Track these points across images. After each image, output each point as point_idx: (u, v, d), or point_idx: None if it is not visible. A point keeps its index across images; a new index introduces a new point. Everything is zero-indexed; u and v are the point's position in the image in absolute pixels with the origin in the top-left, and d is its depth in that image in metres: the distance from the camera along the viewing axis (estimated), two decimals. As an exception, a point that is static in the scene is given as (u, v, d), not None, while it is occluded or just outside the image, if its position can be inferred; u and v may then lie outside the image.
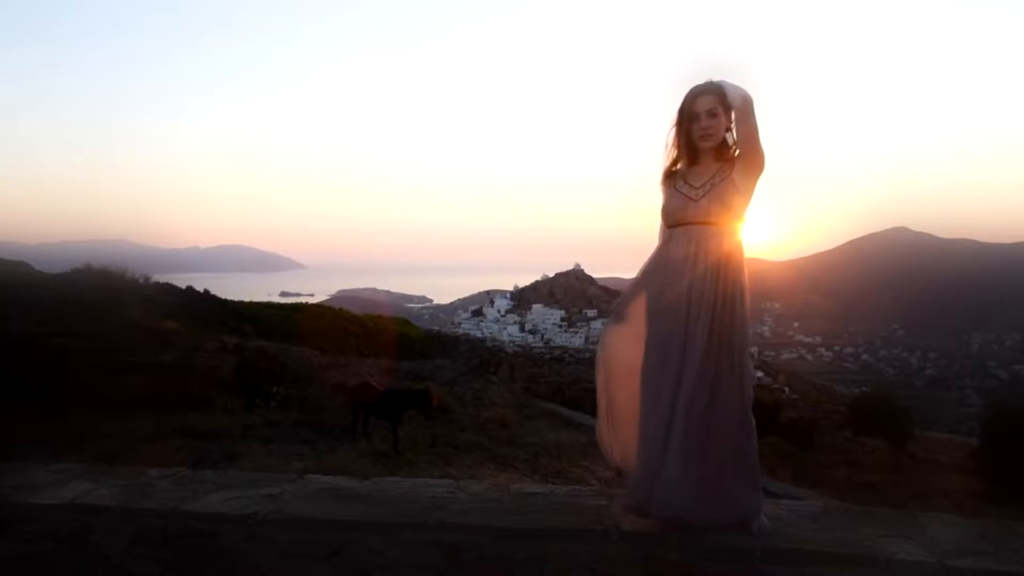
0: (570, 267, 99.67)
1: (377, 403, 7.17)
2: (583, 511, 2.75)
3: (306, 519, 2.70)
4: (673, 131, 2.70)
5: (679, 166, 2.74)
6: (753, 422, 2.60)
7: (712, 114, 2.58)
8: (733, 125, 2.60)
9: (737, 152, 2.63)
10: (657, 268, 2.72)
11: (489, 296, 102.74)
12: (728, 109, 2.58)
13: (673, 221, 2.68)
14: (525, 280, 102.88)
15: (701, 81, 2.63)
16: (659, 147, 2.76)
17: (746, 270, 2.64)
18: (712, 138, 2.62)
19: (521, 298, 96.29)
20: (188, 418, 6.99)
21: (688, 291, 2.57)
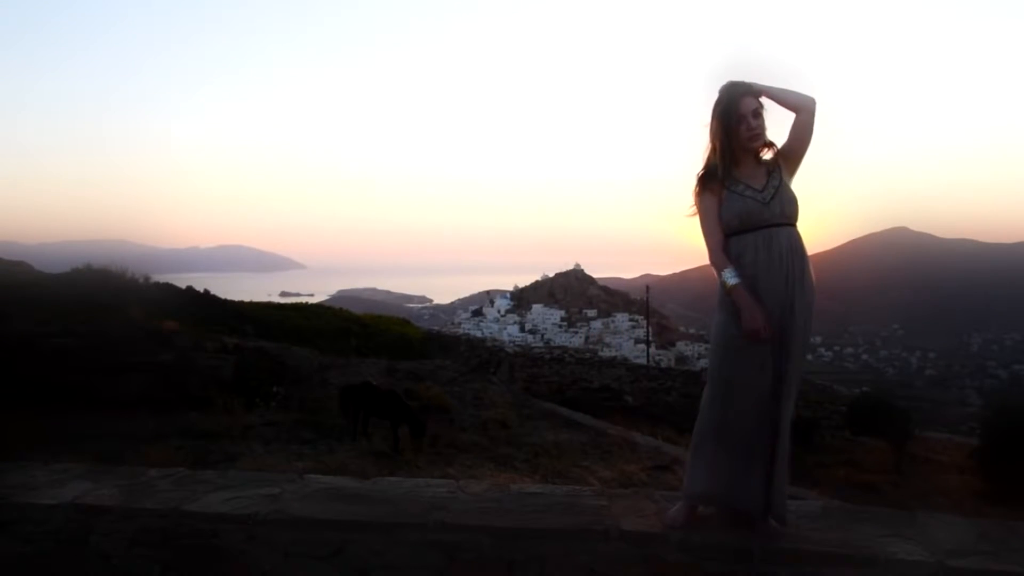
0: (570, 267, 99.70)
1: (377, 403, 7.18)
2: (583, 511, 2.75)
3: (306, 519, 2.70)
4: (716, 134, 2.61)
5: (725, 170, 2.63)
6: None
7: (757, 114, 2.56)
8: (796, 128, 2.60)
9: (776, 151, 2.64)
10: (743, 275, 2.57)
11: (489, 296, 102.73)
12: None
13: (749, 225, 2.58)
14: (525, 280, 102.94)
15: (727, 81, 2.60)
16: (691, 152, 2.72)
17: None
18: (760, 138, 2.60)
19: (521, 298, 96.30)
20: (188, 418, 6.98)
21: (779, 295, 2.53)
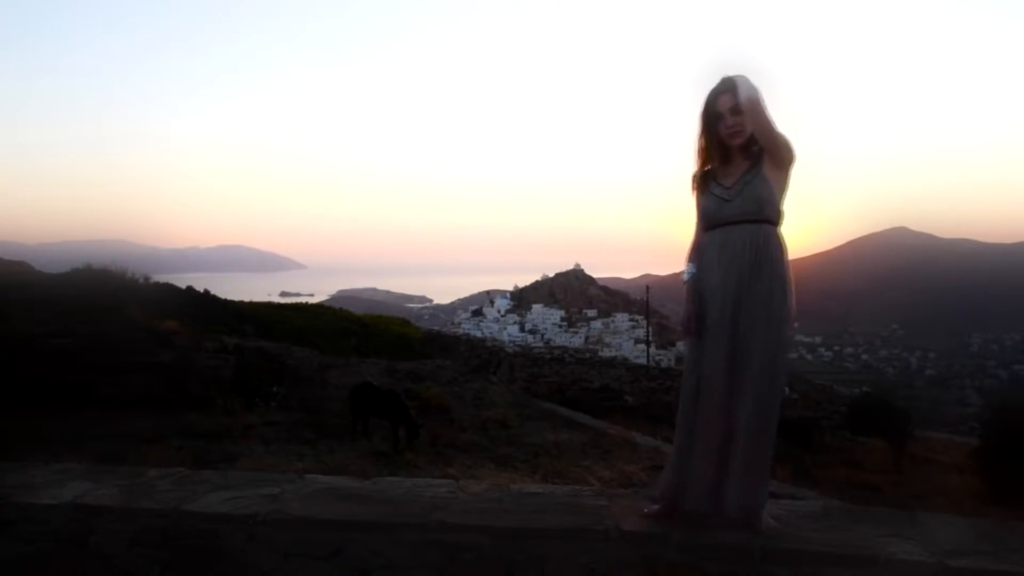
0: (570, 267, 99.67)
1: (377, 403, 7.18)
2: (583, 511, 2.75)
3: (306, 519, 2.70)
4: (700, 134, 2.65)
5: (711, 168, 2.69)
6: (776, 423, 2.61)
7: (735, 111, 2.55)
8: (747, 121, 2.56)
9: (762, 147, 2.59)
10: (702, 273, 2.67)
11: (489, 296, 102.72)
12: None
13: (710, 223, 2.65)
14: (525, 280, 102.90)
15: (715, 80, 2.60)
16: (687, 152, 2.72)
17: (789, 266, 2.62)
18: (740, 135, 2.59)
19: (521, 298, 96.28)
20: (188, 418, 6.98)
21: (729, 291, 2.56)
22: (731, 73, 2.57)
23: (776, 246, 2.59)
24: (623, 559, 2.49)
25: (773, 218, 2.59)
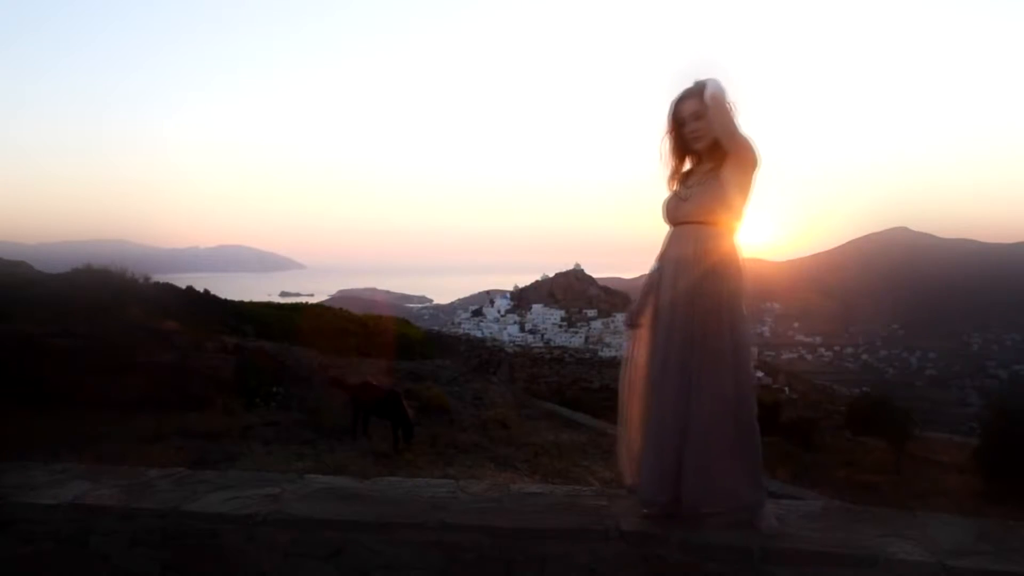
0: (570, 267, 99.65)
1: (378, 403, 7.18)
2: (583, 511, 2.74)
3: (306, 519, 2.70)
4: (667, 138, 2.73)
5: (684, 169, 2.77)
6: (753, 420, 2.59)
7: (697, 116, 2.60)
8: (709, 125, 2.60)
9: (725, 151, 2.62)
10: (657, 269, 2.77)
11: (489, 296, 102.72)
12: None
13: (669, 221, 2.73)
14: (525, 280, 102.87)
15: (690, 83, 2.64)
16: (656, 156, 2.79)
17: (742, 267, 2.63)
18: (703, 139, 2.63)
19: (521, 298, 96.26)
20: (188, 418, 6.98)
21: (678, 290, 2.61)
22: (702, 77, 2.60)
23: (726, 248, 2.61)
24: (623, 559, 2.49)
25: (725, 221, 2.61)
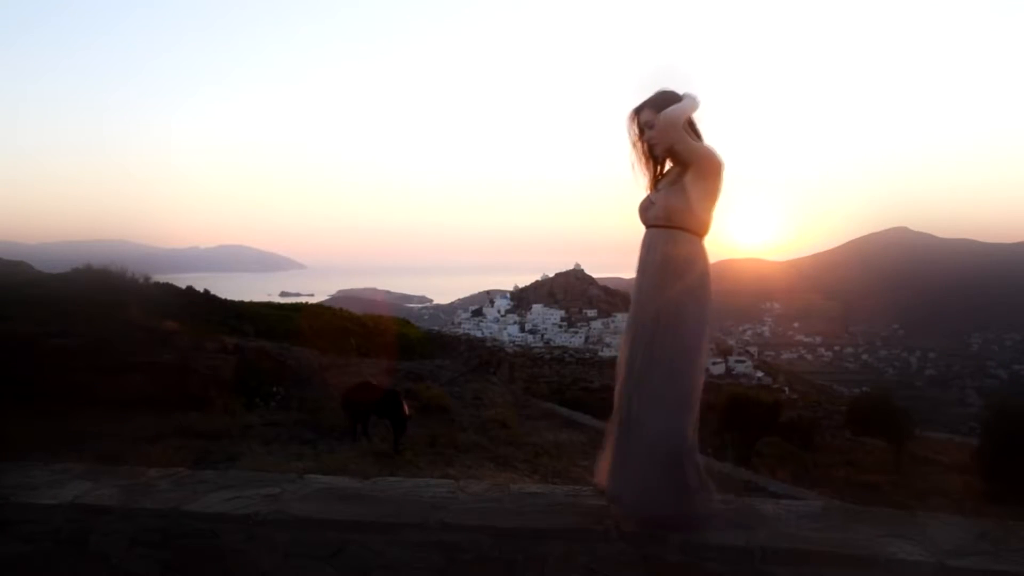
0: (570, 267, 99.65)
1: (378, 403, 7.17)
2: (583, 511, 2.74)
3: (306, 519, 2.70)
4: (637, 146, 2.78)
5: (665, 171, 2.82)
6: (684, 428, 2.58)
7: (650, 125, 2.68)
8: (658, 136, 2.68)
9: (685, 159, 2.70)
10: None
11: (489, 296, 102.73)
12: None
13: (643, 224, 2.78)
14: (525, 280, 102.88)
15: (652, 91, 2.71)
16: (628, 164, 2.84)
17: (704, 272, 2.64)
18: (659, 146, 2.71)
19: (521, 298, 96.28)
20: (188, 418, 6.99)
21: (639, 292, 2.68)
22: (666, 87, 2.68)
23: (686, 252, 2.62)
24: (623, 559, 2.49)
25: (687, 225, 2.63)
